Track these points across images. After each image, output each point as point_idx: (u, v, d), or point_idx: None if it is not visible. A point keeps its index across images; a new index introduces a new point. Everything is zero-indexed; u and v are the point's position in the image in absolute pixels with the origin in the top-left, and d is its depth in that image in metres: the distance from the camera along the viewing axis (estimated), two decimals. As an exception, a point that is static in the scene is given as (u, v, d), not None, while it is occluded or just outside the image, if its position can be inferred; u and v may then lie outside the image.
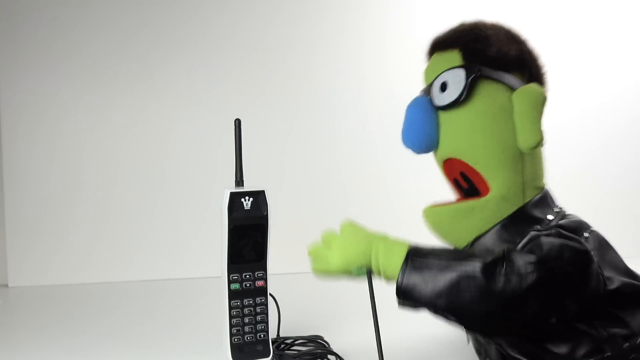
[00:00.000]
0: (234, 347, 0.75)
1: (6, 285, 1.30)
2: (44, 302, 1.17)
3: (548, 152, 0.68)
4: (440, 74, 0.66)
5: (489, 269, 0.55)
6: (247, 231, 0.74)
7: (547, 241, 0.57)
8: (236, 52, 1.35)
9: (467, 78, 0.63)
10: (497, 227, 0.63)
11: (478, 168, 0.64)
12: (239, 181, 0.76)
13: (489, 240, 0.63)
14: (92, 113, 1.32)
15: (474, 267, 0.55)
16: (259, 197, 0.74)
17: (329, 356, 0.79)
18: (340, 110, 1.38)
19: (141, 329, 0.96)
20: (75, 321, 1.02)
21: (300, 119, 1.37)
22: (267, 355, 0.76)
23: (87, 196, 1.31)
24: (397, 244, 0.60)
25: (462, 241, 0.65)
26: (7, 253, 1.30)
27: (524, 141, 0.62)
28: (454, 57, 0.65)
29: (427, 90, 0.67)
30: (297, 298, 1.09)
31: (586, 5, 1.44)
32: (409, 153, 0.70)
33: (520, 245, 0.59)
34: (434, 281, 0.56)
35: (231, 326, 0.75)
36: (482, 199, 0.63)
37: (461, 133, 0.64)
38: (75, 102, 1.31)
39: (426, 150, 0.68)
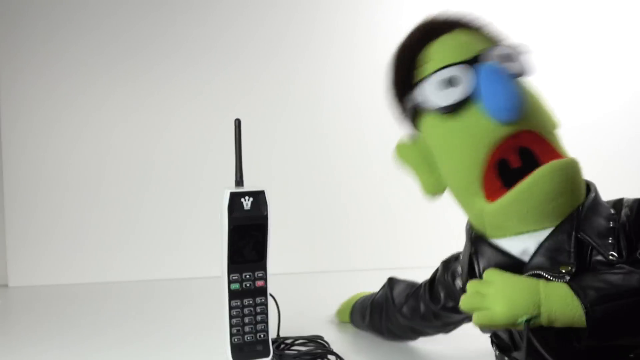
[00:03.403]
0: (234, 347, 0.75)
1: (6, 285, 1.30)
2: (44, 302, 1.17)
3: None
4: (490, 47, 0.62)
5: None
6: (247, 231, 0.74)
7: None
8: (236, 52, 1.35)
9: (526, 52, 0.62)
10: (591, 199, 0.59)
11: (548, 138, 0.61)
12: (239, 181, 0.76)
13: (600, 219, 0.59)
14: (92, 113, 1.32)
15: None
16: (259, 197, 0.74)
17: (329, 356, 0.79)
18: (341, 110, 1.38)
19: (141, 329, 0.96)
20: (75, 321, 1.02)
21: (300, 118, 1.37)
22: (267, 355, 0.76)
23: (88, 196, 1.31)
24: (557, 287, 0.54)
25: (570, 202, 0.59)
26: (7, 253, 1.30)
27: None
28: (488, 35, 0.65)
29: (473, 63, 0.61)
30: (297, 298, 1.09)
31: (604, 8, 1.44)
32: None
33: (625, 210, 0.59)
34: (620, 314, 0.52)
35: (231, 326, 0.75)
36: (574, 158, 0.59)
37: (536, 102, 0.62)
38: (75, 102, 1.31)
39: (520, 116, 0.60)
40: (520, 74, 0.61)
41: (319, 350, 0.80)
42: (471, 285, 0.57)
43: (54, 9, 1.29)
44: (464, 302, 0.57)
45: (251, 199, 0.73)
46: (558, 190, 0.57)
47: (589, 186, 0.61)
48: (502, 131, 0.59)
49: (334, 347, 0.82)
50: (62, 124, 1.31)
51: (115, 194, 1.32)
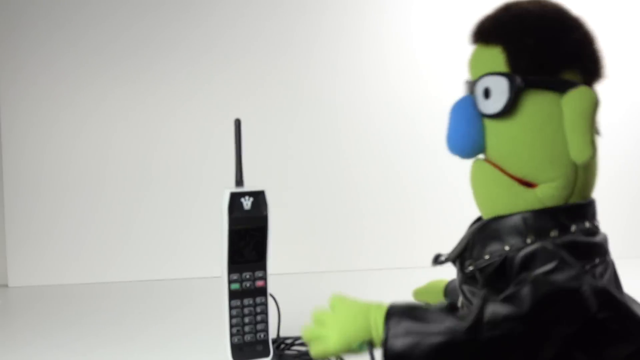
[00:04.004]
0: (234, 347, 0.75)
1: (6, 285, 1.30)
2: (44, 302, 1.17)
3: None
4: (483, 76, 0.60)
5: (472, 331, 0.51)
6: (247, 231, 0.74)
7: (537, 288, 0.53)
8: (236, 51, 1.35)
9: (510, 90, 0.58)
10: (520, 216, 0.59)
11: (527, 178, 0.60)
12: (239, 181, 0.76)
13: (507, 226, 0.60)
14: (92, 113, 1.32)
15: (457, 331, 0.52)
16: (259, 197, 0.74)
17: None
18: (341, 109, 1.38)
19: (141, 329, 0.96)
20: (75, 321, 1.02)
21: (300, 118, 1.37)
22: (267, 355, 0.76)
23: (87, 196, 1.31)
24: (382, 311, 0.55)
25: (491, 210, 0.62)
26: (7, 253, 1.30)
27: (575, 155, 0.58)
28: (497, 57, 0.60)
29: (471, 89, 0.62)
30: (297, 298, 1.09)
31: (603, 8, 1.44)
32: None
33: (521, 254, 0.57)
34: (420, 351, 0.52)
35: (231, 326, 0.75)
36: (530, 189, 0.59)
37: (506, 145, 0.60)
38: (75, 102, 1.31)
39: (473, 155, 0.63)
40: (491, 114, 0.60)
41: (319, 350, 0.80)
42: (315, 314, 0.60)
43: (54, 9, 1.29)
44: (305, 332, 0.59)
45: (251, 199, 0.73)
46: (474, 186, 0.64)
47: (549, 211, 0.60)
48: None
49: (334, 347, 0.81)
50: (62, 123, 1.31)
51: (115, 194, 1.32)
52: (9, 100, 1.29)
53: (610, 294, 0.56)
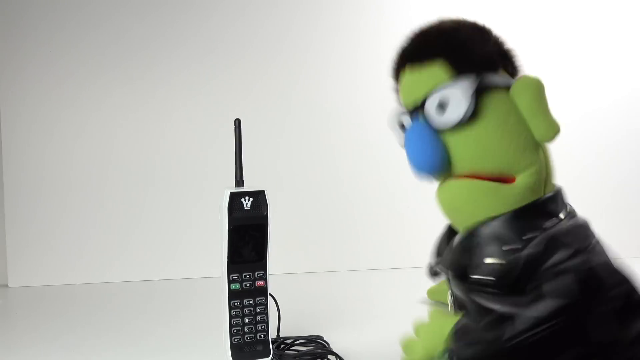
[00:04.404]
0: (234, 347, 0.75)
1: (6, 285, 1.30)
2: (44, 302, 1.17)
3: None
4: (430, 93, 0.61)
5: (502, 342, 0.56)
6: (247, 231, 0.74)
7: (576, 277, 0.55)
8: (237, 51, 1.35)
9: (468, 94, 0.59)
10: (510, 214, 0.60)
11: (503, 172, 0.61)
12: (239, 181, 0.76)
13: (498, 227, 0.60)
14: (92, 113, 1.32)
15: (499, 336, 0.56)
16: (259, 197, 0.74)
17: (329, 356, 0.79)
18: (341, 109, 1.38)
19: (141, 329, 0.96)
20: (75, 321, 1.02)
21: (300, 119, 1.38)
22: (267, 355, 0.76)
23: (88, 196, 1.32)
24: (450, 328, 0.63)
25: (472, 220, 0.62)
26: (7, 253, 1.30)
27: (543, 136, 0.60)
28: (438, 71, 0.61)
29: (416, 111, 0.63)
30: (297, 298, 1.09)
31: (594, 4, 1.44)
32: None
33: (535, 243, 0.58)
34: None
35: (231, 326, 0.75)
36: (510, 185, 0.60)
37: (477, 150, 0.61)
38: (75, 102, 1.31)
39: (439, 174, 0.64)
40: (453, 124, 0.60)
41: (319, 350, 0.80)
42: (414, 324, 0.67)
43: (54, 9, 1.29)
44: (402, 339, 0.67)
45: (251, 199, 0.73)
46: (445, 208, 0.65)
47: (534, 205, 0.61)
48: (446, 176, 0.64)
49: (334, 347, 0.82)
50: (63, 124, 1.31)
51: (115, 194, 1.32)
52: (9, 100, 1.29)
53: (618, 268, 0.58)
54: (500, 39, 0.64)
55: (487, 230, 0.61)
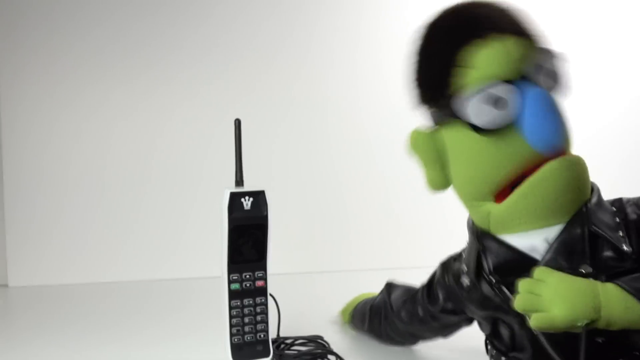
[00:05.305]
0: (234, 347, 0.75)
1: (6, 285, 1.30)
2: (44, 302, 1.17)
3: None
4: (536, 61, 0.59)
5: None
6: (247, 231, 0.74)
7: None
8: (236, 51, 1.35)
9: (563, 62, 0.59)
10: (597, 195, 0.60)
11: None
12: (239, 181, 0.76)
13: (607, 215, 0.59)
14: (92, 113, 1.32)
15: None
16: (259, 197, 0.74)
17: (329, 356, 0.79)
18: (341, 109, 1.38)
19: (141, 329, 0.96)
20: (75, 321, 1.02)
21: (300, 118, 1.37)
22: (267, 355, 0.76)
23: (88, 196, 1.32)
24: (613, 289, 0.53)
25: (582, 199, 0.59)
26: (7, 253, 1.30)
27: None
28: (531, 45, 0.59)
29: (522, 80, 0.58)
30: (297, 298, 1.09)
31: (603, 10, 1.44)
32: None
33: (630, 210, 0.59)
34: None
35: (231, 326, 0.75)
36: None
37: (568, 123, 0.60)
38: (75, 102, 1.31)
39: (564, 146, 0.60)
40: (562, 95, 0.59)
41: (319, 350, 0.80)
42: (524, 284, 0.55)
43: (54, 8, 1.29)
44: (519, 303, 0.55)
45: (251, 199, 0.73)
46: (567, 187, 0.57)
47: (592, 186, 0.61)
48: (538, 157, 0.57)
49: (334, 347, 0.82)
50: (62, 123, 1.31)
51: (115, 194, 1.32)
52: (9, 100, 1.29)
53: None
54: None
55: (599, 214, 0.59)
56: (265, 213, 0.74)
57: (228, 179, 0.79)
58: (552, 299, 0.53)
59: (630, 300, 0.52)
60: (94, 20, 1.30)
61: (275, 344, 0.81)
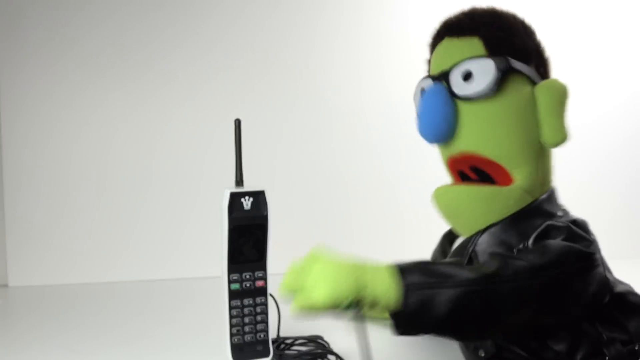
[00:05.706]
0: (234, 347, 0.75)
1: (6, 285, 1.30)
2: (44, 302, 1.17)
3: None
4: (461, 61, 0.63)
5: (490, 280, 0.51)
6: (247, 231, 0.74)
7: (553, 245, 0.56)
8: (237, 51, 1.35)
9: (497, 70, 0.61)
10: (510, 218, 0.61)
11: (501, 161, 0.62)
12: (239, 181, 0.76)
13: (501, 232, 0.61)
14: (92, 113, 1.32)
15: (475, 280, 0.51)
16: (259, 197, 0.74)
17: (329, 356, 0.79)
18: (340, 109, 1.38)
19: (141, 329, 0.96)
20: (75, 321, 1.02)
21: (300, 118, 1.37)
22: (267, 355, 0.76)
23: (88, 196, 1.31)
24: (384, 269, 0.54)
25: (475, 227, 0.63)
26: (7, 253, 1.30)
27: (551, 138, 0.61)
28: (475, 44, 0.63)
29: (440, 77, 0.64)
30: (297, 298, 1.09)
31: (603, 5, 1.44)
32: (417, 145, 0.69)
33: (534, 235, 0.59)
34: (437, 304, 0.50)
35: (231, 326, 0.75)
36: (508, 187, 0.61)
37: (486, 126, 0.62)
38: (75, 102, 1.31)
39: (442, 141, 0.65)
40: (475, 97, 0.62)
41: (319, 350, 0.80)
42: (292, 267, 0.55)
43: (54, 8, 1.29)
44: (284, 283, 0.54)
45: (251, 199, 0.73)
46: (445, 212, 0.66)
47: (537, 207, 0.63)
48: (444, 150, 0.66)
49: (334, 347, 0.82)
50: (62, 124, 1.31)
51: (115, 194, 1.32)
52: (9, 100, 1.29)
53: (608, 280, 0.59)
54: (542, 43, 0.67)
55: (490, 237, 0.61)
56: (265, 213, 0.74)
57: (228, 179, 0.79)
58: (316, 280, 0.52)
59: (393, 280, 0.52)
60: (94, 21, 1.30)
61: (275, 344, 0.81)
